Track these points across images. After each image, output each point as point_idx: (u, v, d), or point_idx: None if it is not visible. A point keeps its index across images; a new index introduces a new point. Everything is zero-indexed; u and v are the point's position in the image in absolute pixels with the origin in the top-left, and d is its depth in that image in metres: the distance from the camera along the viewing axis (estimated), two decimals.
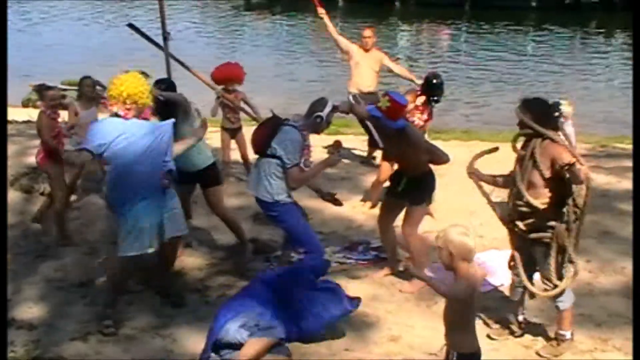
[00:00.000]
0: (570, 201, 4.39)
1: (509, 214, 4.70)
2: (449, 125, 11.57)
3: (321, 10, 8.91)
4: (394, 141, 5.46)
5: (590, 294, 5.71)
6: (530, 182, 4.51)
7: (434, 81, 7.06)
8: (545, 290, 4.71)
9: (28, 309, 5.31)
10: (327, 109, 5.33)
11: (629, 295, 5.58)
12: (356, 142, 9.29)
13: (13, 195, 7.49)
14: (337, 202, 5.72)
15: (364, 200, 7.49)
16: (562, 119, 6.96)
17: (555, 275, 4.61)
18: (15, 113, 11.26)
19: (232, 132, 8.01)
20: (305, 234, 5.42)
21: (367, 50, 8.66)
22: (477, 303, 3.98)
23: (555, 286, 4.63)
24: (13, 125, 10.47)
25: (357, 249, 6.41)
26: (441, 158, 5.54)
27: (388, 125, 5.32)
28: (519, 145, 4.73)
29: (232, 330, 4.55)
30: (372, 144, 7.14)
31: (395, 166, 6.15)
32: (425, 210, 5.81)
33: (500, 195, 5.06)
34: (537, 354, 4.86)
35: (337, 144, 5.52)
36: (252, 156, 6.33)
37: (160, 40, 7.23)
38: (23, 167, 8.09)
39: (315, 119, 5.31)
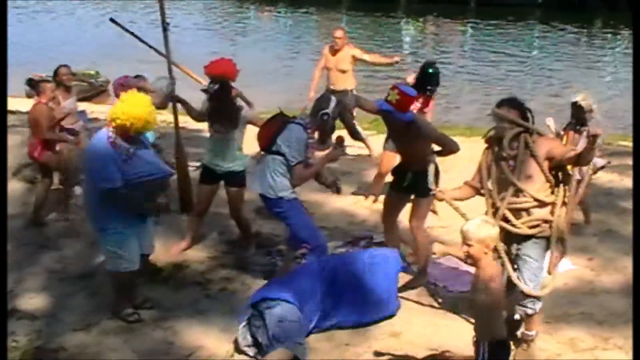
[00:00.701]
0: (561, 191, 4.51)
1: (503, 217, 4.58)
2: (452, 122, 11.55)
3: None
4: (403, 134, 5.44)
5: (592, 293, 5.71)
6: (529, 176, 4.49)
7: (430, 70, 6.97)
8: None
9: (30, 300, 5.32)
10: (332, 105, 5.33)
11: (631, 294, 5.57)
12: None
13: (15, 186, 7.50)
14: (339, 190, 5.69)
15: (365, 194, 7.47)
16: (591, 114, 6.66)
17: (552, 268, 4.66)
18: (19, 103, 11.25)
19: None
20: (309, 230, 5.43)
21: (337, 51, 8.67)
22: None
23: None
24: (16, 115, 10.45)
25: (360, 244, 6.40)
26: (451, 147, 5.46)
27: (398, 118, 5.30)
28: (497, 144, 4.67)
29: (273, 318, 4.61)
30: (353, 136, 7.10)
31: (397, 158, 6.12)
32: (431, 202, 5.79)
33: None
34: None
35: (340, 140, 5.50)
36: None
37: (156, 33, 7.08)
38: (26, 157, 8.07)
39: (322, 117, 5.31)
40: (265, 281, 5.68)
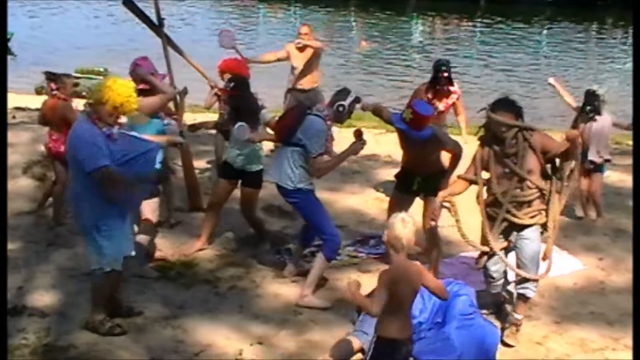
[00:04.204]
0: (554, 181, 4.84)
1: (507, 210, 4.84)
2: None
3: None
4: (418, 148, 5.43)
5: (602, 293, 5.69)
6: (530, 170, 4.79)
7: (443, 68, 6.85)
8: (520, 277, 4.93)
9: (40, 297, 5.34)
10: (350, 99, 5.38)
11: None
12: (368, 135, 9.24)
13: (25, 183, 7.52)
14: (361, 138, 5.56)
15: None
16: (604, 103, 6.91)
17: (548, 253, 4.93)
18: (29, 100, 11.30)
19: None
20: (324, 220, 5.47)
21: (303, 49, 8.46)
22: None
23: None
24: (26, 112, 10.50)
25: (369, 243, 6.40)
26: (460, 155, 5.49)
27: (413, 136, 5.29)
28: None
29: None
30: None
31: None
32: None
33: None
34: (506, 344, 4.89)
35: (358, 133, 5.55)
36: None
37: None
38: (36, 154, 8.11)
39: (337, 108, 5.36)
40: (275, 280, 5.70)
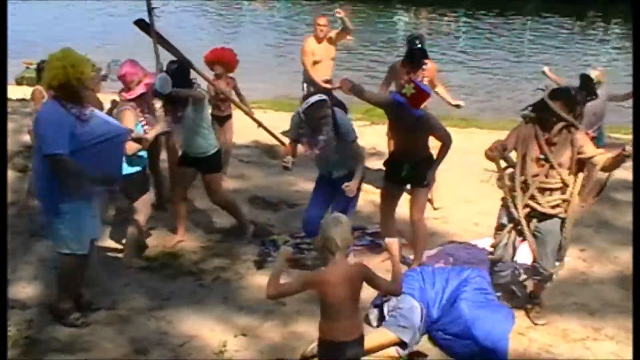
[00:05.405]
0: (579, 177, 4.95)
1: (532, 195, 4.96)
2: (446, 112, 11.49)
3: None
4: (409, 128, 5.43)
5: (585, 283, 5.73)
6: (562, 162, 4.92)
7: (417, 43, 6.77)
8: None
9: (21, 289, 5.29)
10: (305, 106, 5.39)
11: (623, 285, 5.61)
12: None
13: (7, 174, 7.44)
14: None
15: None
16: (599, 85, 7.21)
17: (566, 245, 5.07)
18: (10, 91, 11.16)
19: (221, 120, 7.46)
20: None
21: (322, 40, 8.31)
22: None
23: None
24: (8, 103, 10.38)
25: (353, 235, 6.40)
26: (450, 144, 5.49)
27: (410, 112, 5.30)
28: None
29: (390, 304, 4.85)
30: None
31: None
32: (428, 191, 5.82)
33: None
34: (535, 324, 5.06)
35: None
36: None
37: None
38: (18, 145, 8.04)
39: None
40: (259, 271, 5.70)
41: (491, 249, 5.25)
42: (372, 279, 3.74)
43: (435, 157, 5.55)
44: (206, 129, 5.91)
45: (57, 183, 4.48)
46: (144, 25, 6.69)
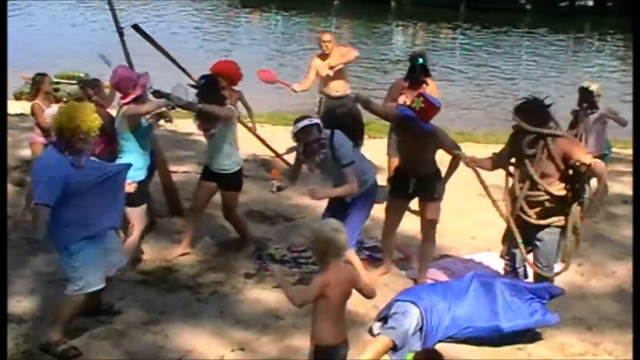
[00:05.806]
0: (583, 186, 4.92)
1: (520, 208, 5.05)
2: (442, 126, 11.53)
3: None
4: (418, 142, 5.43)
5: (582, 297, 5.73)
6: (544, 173, 4.92)
7: (420, 61, 6.68)
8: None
9: (18, 303, 5.27)
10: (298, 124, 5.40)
11: (620, 299, 5.61)
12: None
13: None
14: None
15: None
16: (599, 97, 7.22)
17: (567, 257, 5.12)
18: (8, 106, 11.15)
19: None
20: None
21: (327, 56, 8.34)
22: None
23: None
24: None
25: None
26: (459, 157, 5.49)
27: (419, 126, 5.30)
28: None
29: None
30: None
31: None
32: (439, 205, 5.70)
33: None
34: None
35: None
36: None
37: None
38: (15, 160, 8.03)
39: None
40: (256, 285, 5.68)
41: (487, 264, 5.29)
42: (357, 282, 3.96)
43: (446, 170, 5.54)
44: (231, 146, 5.92)
45: (63, 225, 4.52)
46: (140, 30, 6.80)
